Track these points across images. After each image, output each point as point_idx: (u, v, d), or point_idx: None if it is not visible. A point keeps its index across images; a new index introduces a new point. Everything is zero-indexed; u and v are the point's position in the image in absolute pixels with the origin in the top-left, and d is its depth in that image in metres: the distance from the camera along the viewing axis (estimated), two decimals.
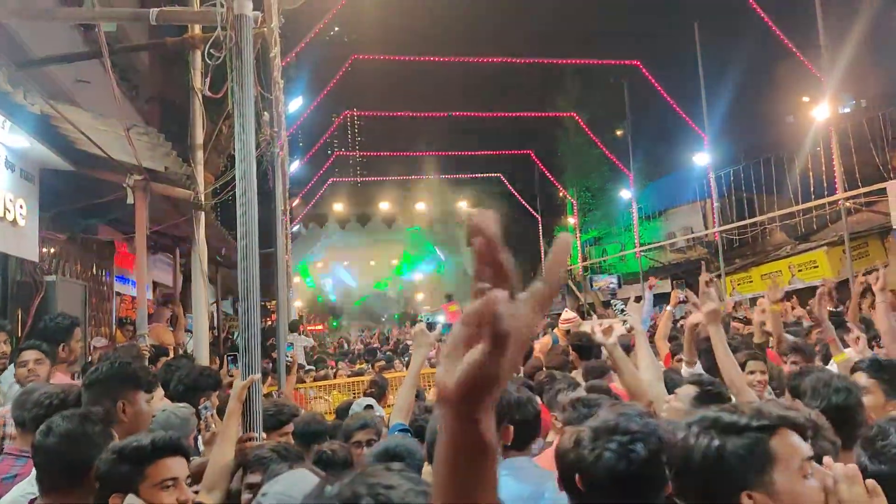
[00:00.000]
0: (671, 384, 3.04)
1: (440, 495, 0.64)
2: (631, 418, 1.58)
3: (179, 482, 1.93)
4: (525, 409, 2.48)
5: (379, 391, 6.15)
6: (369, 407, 4.23)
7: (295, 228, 25.21)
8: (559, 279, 0.66)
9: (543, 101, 27.92)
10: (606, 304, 20.92)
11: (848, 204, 14.34)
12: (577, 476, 1.60)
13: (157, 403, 2.96)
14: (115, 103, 4.73)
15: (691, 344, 3.87)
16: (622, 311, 5.52)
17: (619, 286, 25.21)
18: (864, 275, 4.12)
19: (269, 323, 12.29)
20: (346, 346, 20.38)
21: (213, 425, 2.94)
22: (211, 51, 3.29)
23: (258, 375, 2.83)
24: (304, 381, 8.56)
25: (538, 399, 2.67)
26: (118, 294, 8.05)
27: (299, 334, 12.35)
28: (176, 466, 1.94)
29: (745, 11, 16.30)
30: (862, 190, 14.08)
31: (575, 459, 1.60)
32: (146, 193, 5.21)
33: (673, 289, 6.28)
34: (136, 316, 6.00)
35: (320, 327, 28.89)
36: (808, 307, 7.80)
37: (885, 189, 13.27)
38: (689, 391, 2.62)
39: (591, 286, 26.72)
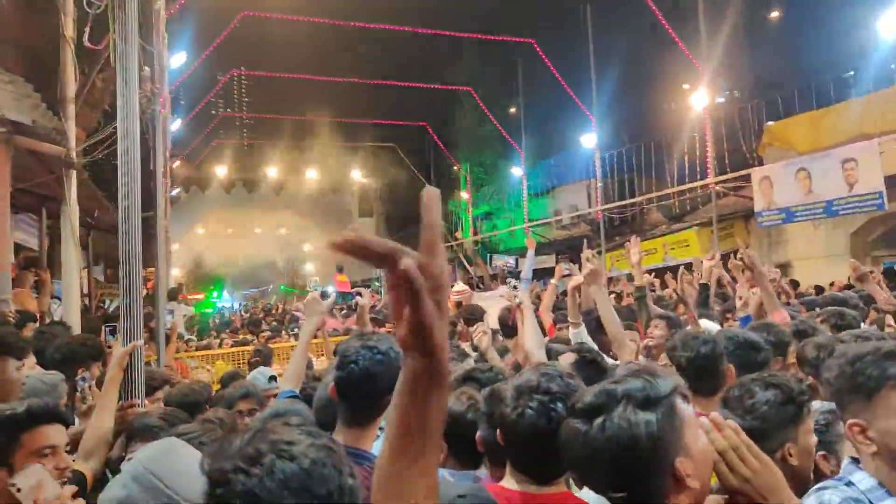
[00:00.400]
0: (553, 352, 3.23)
1: (402, 418, 0.81)
2: (552, 378, 1.65)
3: (58, 450, 1.84)
4: None
5: (264, 360, 6.07)
6: (273, 378, 4.15)
7: (175, 192, 23.92)
8: (435, 225, 0.81)
9: (440, 75, 27.95)
10: (494, 277, 21.54)
11: (717, 188, 15.53)
12: (498, 431, 1.69)
13: (28, 372, 2.77)
14: None
15: (574, 307, 4.14)
16: (514, 287, 5.74)
17: (516, 265, 26.04)
18: (737, 258, 4.53)
19: (147, 291, 11.66)
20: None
21: (91, 397, 2.80)
22: None
23: (141, 342, 2.72)
24: (184, 351, 8.27)
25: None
26: None
27: (178, 303, 11.85)
28: (53, 434, 1.85)
29: None
30: (730, 175, 15.28)
31: (498, 416, 1.70)
32: (10, 147, 4.77)
33: (557, 263, 6.57)
34: None
35: (200, 296, 27.73)
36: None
37: (749, 175, 14.45)
38: (569, 358, 2.83)
39: (491, 264, 27.37)
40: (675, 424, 1.22)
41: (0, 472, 1.76)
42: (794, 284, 10.07)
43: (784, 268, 15.45)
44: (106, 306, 11.26)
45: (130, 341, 2.68)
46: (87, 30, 3.66)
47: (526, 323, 3.26)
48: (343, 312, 11.44)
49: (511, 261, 26.41)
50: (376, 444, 2.26)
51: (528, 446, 1.62)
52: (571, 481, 1.71)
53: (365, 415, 2.03)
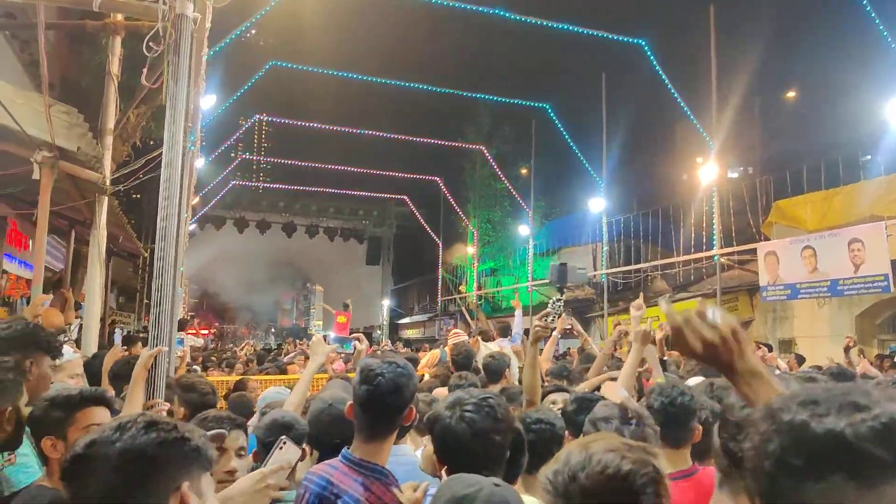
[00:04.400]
0: None
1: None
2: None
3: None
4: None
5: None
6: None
7: (191, 227, 24.36)
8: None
9: (454, 132, 28.68)
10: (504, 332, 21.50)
11: (723, 260, 15.72)
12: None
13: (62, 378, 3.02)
14: (13, 76, 4.63)
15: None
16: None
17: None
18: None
19: None
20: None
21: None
22: (150, 43, 3.40)
23: (165, 347, 2.98)
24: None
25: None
26: (4, 272, 7.58)
27: (186, 334, 11.98)
28: (100, 414, 2.13)
29: (650, 70, 17.69)
30: (736, 248, 15.47)
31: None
32: (53, 171, 5.07)
33: (560, 317, 6.76)
34: (20, 296, 5.75)
35: (206, 332, 27.86)
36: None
37: (755, 249, 14.65)
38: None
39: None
40: None
41: (58, 443, 2.06)
42: (800, 360, 10.22)
43: (788, 344, 15.49)
44: (115, 334, 11.44)
45: (157, 346, 2.92)
46: (145, 70, 3.98)
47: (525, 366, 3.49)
48: (342, 357, 11.56)
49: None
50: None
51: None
52: None
53: (385, 428, 2.16)
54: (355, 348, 4.01)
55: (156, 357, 2.90)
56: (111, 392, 3.02)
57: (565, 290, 24.28)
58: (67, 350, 3.19)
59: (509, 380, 5.13)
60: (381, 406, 2.11)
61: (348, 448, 2.16)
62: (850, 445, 0.82)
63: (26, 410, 2.13)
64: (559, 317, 3.62)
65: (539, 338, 3.43)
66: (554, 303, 3.65)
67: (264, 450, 2.34)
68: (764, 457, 0.89)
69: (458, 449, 1.93)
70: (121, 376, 3.48)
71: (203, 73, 7.07)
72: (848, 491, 0.82)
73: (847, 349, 5.35)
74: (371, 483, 2.06)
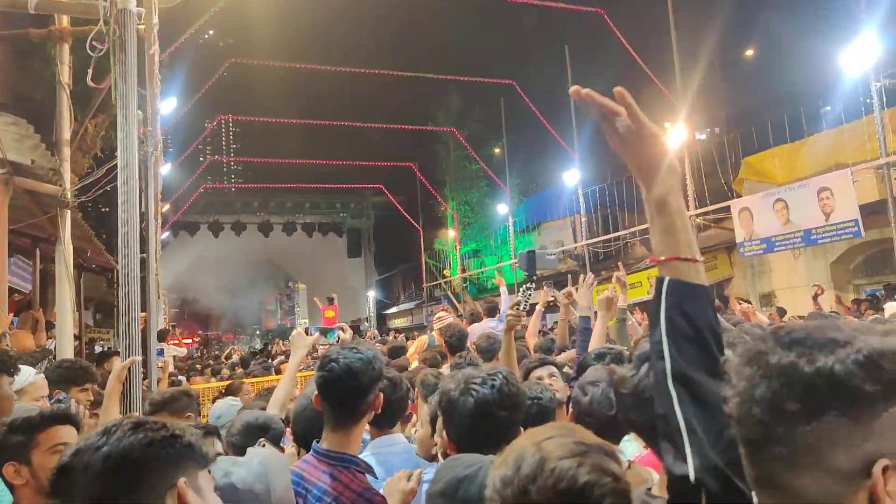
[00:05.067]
0: None
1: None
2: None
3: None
4: (397, 388, 2.71)
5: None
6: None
7: (164, 236, 24.01)
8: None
9: (425, 116, 28.53)
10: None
11: (699, 220, 15.85)
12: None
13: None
14: None
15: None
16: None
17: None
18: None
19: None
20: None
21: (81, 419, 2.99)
22: (94, 42, 3.27)
23: (139, 357, 2.88)
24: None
25: (408, 384, 2.90)
26: None
27: (168, 344, 11.83)
28: (66, 433, 2.07)
29: (612, 38, 17.68)
30: (710, 208, 15.60)
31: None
32: (8, 188, 4.92)
33: (542, 289, 6.77)
34: None
35: (189, 341, 27.55)
36: None
37: (729, 207, 14.79)
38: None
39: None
40: None
41: (21, 468, 1.99)
42: (781, 312, 10.35)
43: (768, 297, 15.72)
44: (101, 348, 11.25)
45: (129, 356, 2.82)
46: (90, 71, 3.85)
47: (504, 345, 3.48)
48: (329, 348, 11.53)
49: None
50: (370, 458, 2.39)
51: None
52: None
53: (347, 416, 2.11)
54: (339, 339, 3.95)
55: (130, 369, 2.81)
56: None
57: (534, 277, 24.41)
58: (29, 371, 3.06)
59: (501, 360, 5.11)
60: (336, 392, 2.07)
61: (317, 441, 2.13)
62: (842, 382, 0.81)
63: None
64: (528, 301, 3.61)
65: (512, 326, 3.42)
66: (524, 291, 3.63)
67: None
68: (752, 403, 0.86)
69: (466, 425, 1.89)
70: (52, 381, 3.33)
71: (157, 74, 6.90)
72: (840, 428, 0.81)
73: (815, 297, 5.49)
74: (339, 472, 2.03)
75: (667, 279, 1.15)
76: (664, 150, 1.21)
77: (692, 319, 1.11)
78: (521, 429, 2.05)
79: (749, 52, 25.69)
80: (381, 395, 2.16)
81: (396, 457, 2.54)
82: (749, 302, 10.06)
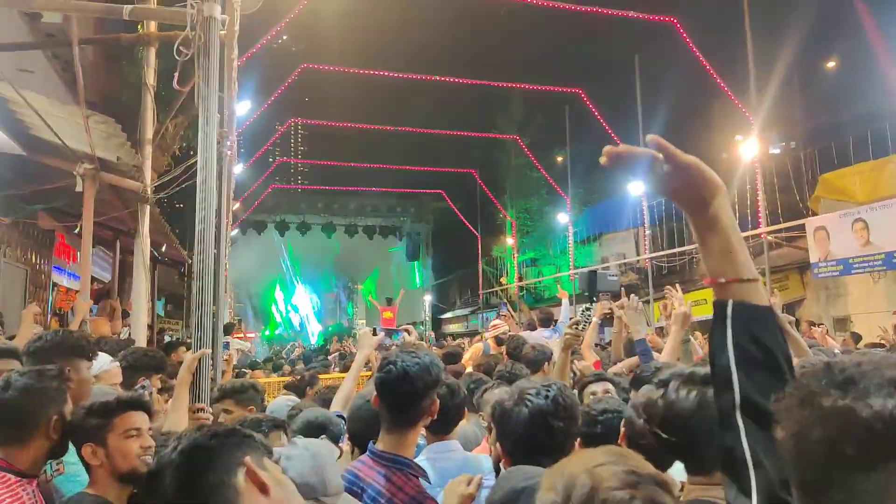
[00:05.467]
0: None
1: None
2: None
3: (142, 432, 2.14)
4: (455, 395, 2.73)
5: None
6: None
7: (234, 233, 24.83)
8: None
9: (488, 123, 28.51)
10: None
11: (770, 238, 15.28)
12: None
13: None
14: (56, 95, 4.75)
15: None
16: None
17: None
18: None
19: None
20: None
21: (154, 405, 3.13)
22: (180, 48, 3.44)
23: (209, 350, 3.00)
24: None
25: (465, 392, 2.91)
26: (55, 285, 7.84)
27: (233, 338, 12.23)
28: (139, 419, 2.16)
29: (683, 48, 17.27)
30: (783, 225, 15.02)
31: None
32: (95, 182, 5.20)
33: (599, 301, 6.67)
34: (71, 308, 5.93)
35: (252, 335, 28.40)
36: None
37: (804, 225, 14.21)
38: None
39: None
40: None
41: (98, 450, 2.08)
42: (856, 338, 9.91)
43: (843, 322, 15.00)
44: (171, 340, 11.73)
45: (200, 348, 2.94)
46: (176, 75, 4.04)
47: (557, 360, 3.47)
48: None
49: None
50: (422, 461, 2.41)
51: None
52: None
53: (403, 419, 2.14)
54: (403, 340, 4.01)
55: (200, 360, 2.93)
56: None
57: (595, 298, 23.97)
58: (106, 358, 3.21)
59: (546, 372, 5.07)
60: (393, 394, 2.11)
61: (373, 442, 2.17)
62: None
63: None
64: (588, 321, 3.57)
65: (570, 345, 3.38)
66: (584, 311, 3.60)
67: None
68: (808, 446, 0.81)
69: (519, 435, 1.89)
70: (137, 368, 3.49)
71: (234, 77, 7.17)
72: None
73: None
74: (392, 474, 2.06)
75: (730, 302, 1.11)
76: (705, 175, 1.20)
77: (762, 343, 1.07)
78: (577, 442, 2.04)
79: (830, 64, 24.61)
80: (438, 400, 2.18)
81: (451, 463, 2.56)
82: (820, 324, 9.64)
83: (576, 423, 1.95)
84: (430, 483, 2.20)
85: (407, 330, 4.03)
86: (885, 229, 12.11)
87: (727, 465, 1.06)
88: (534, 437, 1.87)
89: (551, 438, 1.87)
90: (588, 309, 3.60)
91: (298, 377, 6.87)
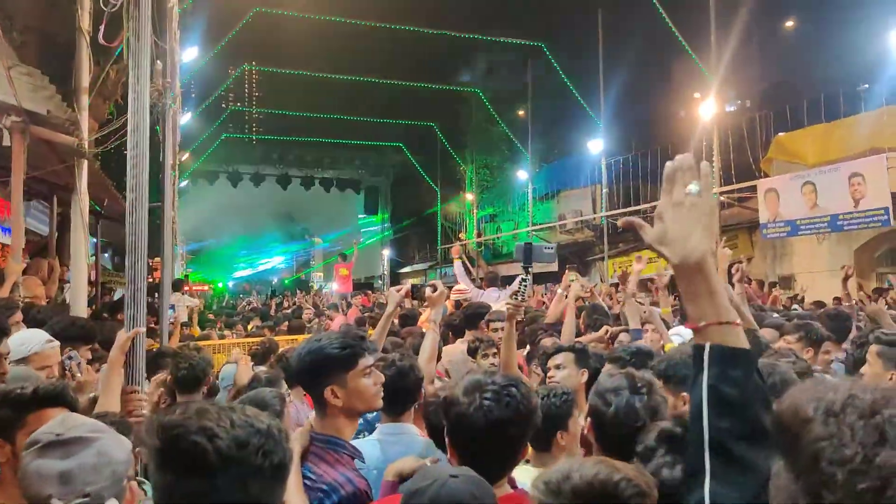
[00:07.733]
0: None
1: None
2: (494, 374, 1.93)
3: None
4: (405, 376, 2.65)
5: (264, 354, 6.02)
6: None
7: (183, 184, 24.06)
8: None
9: (449, 75, 28.01)
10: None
11: (723, 198, 15.53)
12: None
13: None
14: None
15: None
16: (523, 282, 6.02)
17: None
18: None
19: (153, 280, 11.77)
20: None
21: (79, 375, 3.03)
22: None
23: (143, 329, 2.81)
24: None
25: (420, 369, 2.83)
26: None
27: (182, 294, 11.93)
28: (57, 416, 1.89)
29: (647, 5, 17.08)
30: (735, 186, 15.26)
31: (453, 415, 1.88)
32: (25, 136, 4.86)
33: (566, 270, 6.70)
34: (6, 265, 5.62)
35: (206, 287, 27.87)
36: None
37: (755, 186, 14.45)
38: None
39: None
40: None
41: (4, 446, 1.84)
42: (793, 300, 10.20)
43: (788, 280, 15.47)
44: (112, 295, 11.38)
45: (133, 327, 2.76)
46: (102, 28, 3.74)
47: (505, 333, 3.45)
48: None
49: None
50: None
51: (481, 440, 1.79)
52: None
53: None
54: (427, 296, 3.95)
55: (133, 339, 2.75)
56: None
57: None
58: (40, 337, 2.96)
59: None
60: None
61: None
62: None
63: None
64: (525, 292, 3.54)
65: (512, 316, 3.34)
66: (521, 281, 3.56)
67: None
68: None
69: (470, 439, 1.81)
70: (65, 338, 3.21)
71: (176, 25, 6.75)
72: None
73: (845, 279, 5.40)
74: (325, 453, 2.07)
75: (707, 346, 1.14)
76: (697, 216, 1.21)
77: (739, 386, 1.10)
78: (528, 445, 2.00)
79: (789, 24, 24.74)
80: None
81: (398, 447, 2.50)
82: (774, 284, 9.85)
83: (533, 426, 1.86)
84: (364, 462, 2.16)
85: (433, 286, 3.88)
86: (832, 193, 12.39)
87: (690, 487, 1.12)
88: (488, 443, 1.79)
89: (506, 445, 1.81)
90: (525, 280, 3.56)
91: (258, 345, 6.62)
